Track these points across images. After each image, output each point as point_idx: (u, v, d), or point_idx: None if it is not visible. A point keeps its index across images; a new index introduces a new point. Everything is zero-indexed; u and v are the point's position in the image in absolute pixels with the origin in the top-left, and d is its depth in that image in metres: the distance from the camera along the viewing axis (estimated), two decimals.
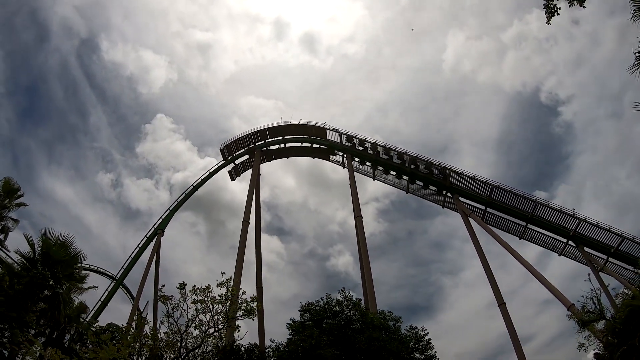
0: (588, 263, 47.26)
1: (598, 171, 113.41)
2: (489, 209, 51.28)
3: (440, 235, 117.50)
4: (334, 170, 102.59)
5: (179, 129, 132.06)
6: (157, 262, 52.54)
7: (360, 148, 55.93)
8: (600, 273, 46.23)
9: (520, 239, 51.09)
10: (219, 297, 26.42)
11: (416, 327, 32.82)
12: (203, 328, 26.88)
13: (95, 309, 49.85)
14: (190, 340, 26.40)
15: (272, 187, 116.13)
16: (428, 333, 32.52)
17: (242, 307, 28.26)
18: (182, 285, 27.60)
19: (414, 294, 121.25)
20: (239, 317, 28.25)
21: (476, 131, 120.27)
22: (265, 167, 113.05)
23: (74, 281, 27.96)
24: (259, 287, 54.07)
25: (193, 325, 27.12)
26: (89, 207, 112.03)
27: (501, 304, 45.06)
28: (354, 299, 33.30)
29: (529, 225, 50.00)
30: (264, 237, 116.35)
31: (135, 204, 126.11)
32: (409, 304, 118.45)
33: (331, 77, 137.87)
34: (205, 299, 26.73)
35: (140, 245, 53.20)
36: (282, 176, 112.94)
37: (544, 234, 49.95)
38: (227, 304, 27.37)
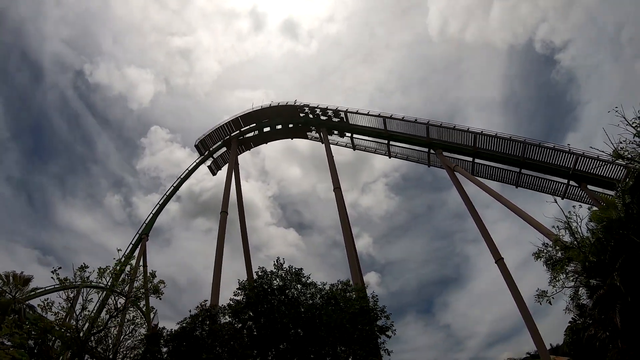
0: (595, 203, 42.01)
1: (607, 116, 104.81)
2: (477, 160, 46.89)
3: (460, 205, 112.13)
4: (337, 152, 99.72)
5: (175, 138, 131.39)
6: (145, 266, 51.32)
7: (336, 119, 52.89)
8: None
9: (516, 187, 46.25)
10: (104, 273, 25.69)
11: (363, 297, 30.01)
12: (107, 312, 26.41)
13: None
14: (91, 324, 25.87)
15: (278, 180, 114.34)
16: (377, 300, 29.60)
17: (150, 286, 27.13)
18: (83, 268, 26.59)
19: (442, 267, 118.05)
20: (140, 295, 27.16)
21: (480, 96, 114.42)
22: (269, 163, 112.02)
23: None
24: (251, 278, 51.94)
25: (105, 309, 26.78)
26: (111, 232, 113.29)
27: (498, 260, 40.90)
28: (293, 270, 30.52)
29: (523, 171, 45.19)
30: (278, 230, 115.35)
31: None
32: (439, 277, 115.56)
33: (329, 67, 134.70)
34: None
35: (126, 253, 52.03)
36: (286, 168, 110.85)
37: (541, 178, 45.03)
38: (124, 285, 26.28)
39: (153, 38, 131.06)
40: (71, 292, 27.86)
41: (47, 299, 26.40)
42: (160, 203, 55.26)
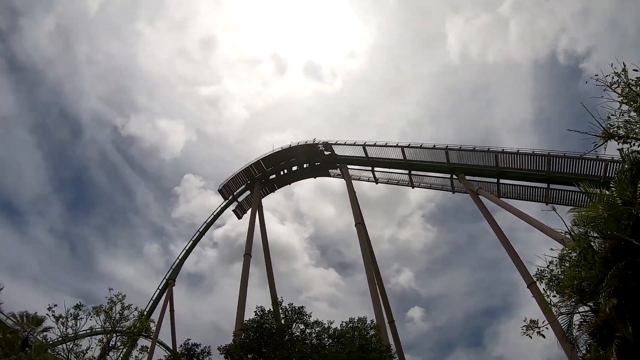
0: None
1: None
2: (502, 181, 44.70)
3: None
4: (371, 188, 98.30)
5: (208, 185, 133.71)
6: (172, 311, 51.16)
7: (356, 154, 52.37)
8: None
9: (546, 204, 43.30)
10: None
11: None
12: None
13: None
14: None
15: (314, 221, 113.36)
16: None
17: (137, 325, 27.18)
18: (79, 307, 26.82)
19: (488, 297, 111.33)
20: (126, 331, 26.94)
21: (511, 118, 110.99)
22: (303, 204, 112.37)
23: None
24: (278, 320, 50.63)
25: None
26: (153, 280, 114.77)
27: (531, 284, 37.78)
28: (296, 309, 29.53)
29: (552, 186, 42.54)
30: (318, 271, 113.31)
31: (186, 269, 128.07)
32: (486, 308, 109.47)
33: (356, 103, 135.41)
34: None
35: (154, 298, 52.15)
36: (321, 208, 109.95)
37: (573, 191, 41.97)
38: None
39: (181, 89, 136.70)
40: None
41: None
42: (186, 248, 55.64)
